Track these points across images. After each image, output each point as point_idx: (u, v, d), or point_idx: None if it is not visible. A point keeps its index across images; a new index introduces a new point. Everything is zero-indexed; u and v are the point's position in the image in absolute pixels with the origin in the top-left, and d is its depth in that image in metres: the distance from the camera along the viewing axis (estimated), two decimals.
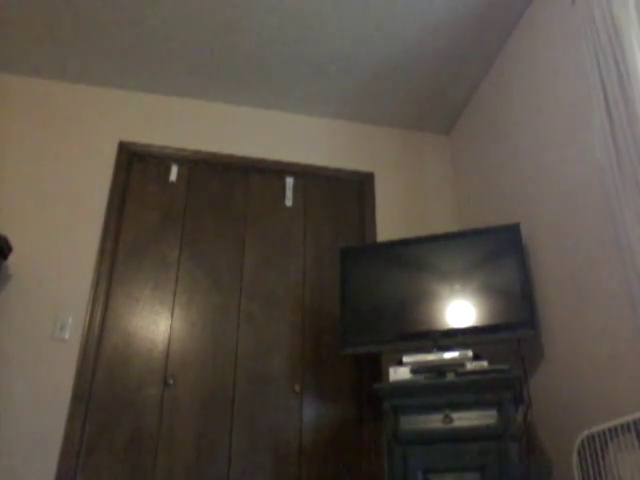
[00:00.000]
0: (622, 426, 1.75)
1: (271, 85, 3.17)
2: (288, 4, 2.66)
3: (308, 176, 3.25)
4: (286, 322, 2.85)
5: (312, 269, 3.00)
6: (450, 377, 2.13)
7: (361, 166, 3.34)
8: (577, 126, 2.24)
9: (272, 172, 3.20)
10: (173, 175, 3.07)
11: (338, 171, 3.28)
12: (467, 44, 2.88)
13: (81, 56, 2.98)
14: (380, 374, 2.80)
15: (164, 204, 2.99)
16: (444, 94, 3.24)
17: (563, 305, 2.23)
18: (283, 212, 3.12)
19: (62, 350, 2.55)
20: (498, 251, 2.43)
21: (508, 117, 2.81)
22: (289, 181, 3.20)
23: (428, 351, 2.29)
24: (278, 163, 3.21)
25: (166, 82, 3.15)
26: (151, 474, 2.44)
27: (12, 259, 2.66)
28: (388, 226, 3.18)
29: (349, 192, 3.28)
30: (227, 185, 3.13)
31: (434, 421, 2.08)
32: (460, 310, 2.39)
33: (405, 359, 2.26)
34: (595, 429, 1.84)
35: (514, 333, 2.29)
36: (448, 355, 2.22)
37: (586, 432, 1.88)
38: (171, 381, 2.61)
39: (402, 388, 2.16)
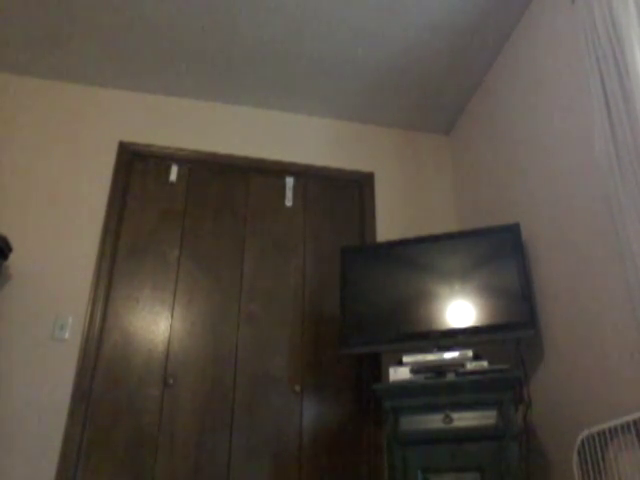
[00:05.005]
0: (622, 426, 1.75)
1: (271, 85, 3.17)
2: (288, 4, 2.66)
3: (308, 176, 3.25)
4: (286, 322, 2.85)
5: (312, 269, 3.00)
6: (450, 377, 2.13)
7: (361, 166, 3.34)
8: (577, 126, 2.24)
9: (272, 172, 3.20)
10: (173, 175, 3.08)
11: (338, 171, 3.28)
12: (467, 44, 2.88)
13: (81, 56, 2.98)
14: (380, 374, 2.80)
15: (164, 204, 2.99)
16: (444, 94, 3.24)
17: (563, 305, 2.23)
18: (283, 212, 3.12)
19: (62, 350, 2.55)
20: (498, 251, 2.43)
21: (508, 117, 2.81)
22: (289, 181, 3.20)
23: (428, 351, 2.29)
24: (278, 163, 3.21)
25: (166, 82, 3.15)
26: (151, 474, 2.44)
27: (12, 259, 2.66)
28: (388, 226, 3.18)
29: (349, 192, 3.28)
30: (227, 185, 3.13)
31: (434, 421, 2.08)
32: (460, 310, 2.38)
33: (405, 359, 2.26)
34: (595, 429, 1.84)
35: (514, 333, 2.29)
36: (448, 355, 2.22)
37: (586, 432, 1.88)
38: (171, 381, 2.61)
39: (402, 388, 2.15)
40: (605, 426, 1.80)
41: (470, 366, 2.15)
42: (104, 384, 2.56)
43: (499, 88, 2.93)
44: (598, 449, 1.83)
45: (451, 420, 2.06)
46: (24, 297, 2.61)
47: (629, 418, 1.71)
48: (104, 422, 2.49)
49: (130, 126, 3.12)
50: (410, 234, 3.16)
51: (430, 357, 2.24)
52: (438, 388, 2.11)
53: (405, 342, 2.41)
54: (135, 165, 3.06)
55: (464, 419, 2.05)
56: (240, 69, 3.06)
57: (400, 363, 2.27)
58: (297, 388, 2.71)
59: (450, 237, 2.55)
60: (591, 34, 2.03)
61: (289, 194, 3.17)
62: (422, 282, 2.49)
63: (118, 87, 3.19)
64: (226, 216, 3.04)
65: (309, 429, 2.65)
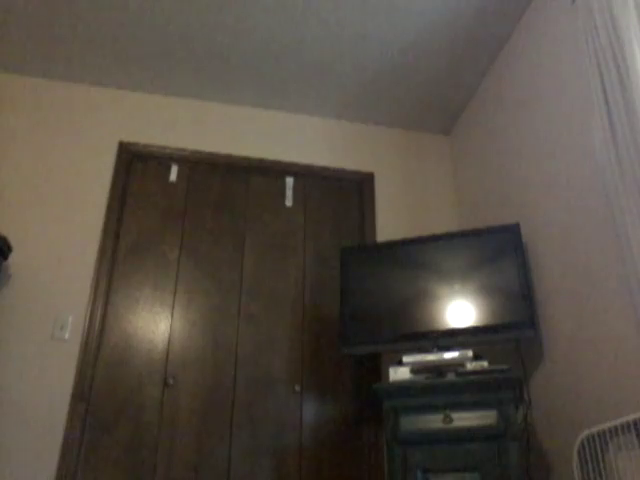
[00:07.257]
0: (622, 426, 1.75)
1: (271, 85, 3.17)
2: (288, 4, 2.66)
3: (308, 176, 3.25)
4: (286, 322, 2.85)
5: (312, 269, 3.00)
6: (450, 377, 2.13)
7: (361, 166, 3.34)
8: (577, 126, 2.24)
9: (272, 172, 3.21)
10: (173, 175, 3.08)
11: (338, 171, 3.28)
12: (467, 44, 2.88)
13: (82, 56, 2.98)
14: (380, 374, 2.80)
15: (164, 204, 2.99)
16: (444, 94, 3.24)
17: (563, 305, 2.23)
18: (283, 212, 3.12)
19: (62, 350, 2.55)
20: (498, 251, 2.43)
21: (508, 117, 2.81)
22: (289, 181, 3.20)
23: (428, 351, 2.29)
24: (278, 163, 3.21)
25: (166, 82, 3.15)
26: (151, 474, 2.44)
27: (12, 259, 2.66)
28: (388, 226, 3.18)
29: (349, 192, 3.28)
30: (227, 185, 3.13)
31: (434, 421, 2.08)
32: (460, 310, 2.39)
33: (405, 359, 2.26)
34: (595, 429, 1.84)
35: (514, 333, 2.29)
36: (448, 355, 2.22)
37: (586, 432, 1.88)
38: (171, 381, 2.61)
39: (402, 388, 2.15)
40: (605, 426, 1.80)
41: (470, 366, 2.15)
42: (104, 384, 2.56)
43: (499, 88, 2.93)
44: (598, 449, 1.83)
45: (451, 420, 2.06)
46: (24, 297, 2.61)
47: (629, 418, 1.71)
48: (104, 422, 2.49)
49: (130, 126, 3.12)
50: (410, 234, 3.17)
51: (430, 357, 2.24)
52: (438, 388, 2.11)
53: (405, 342, 2.41)
54: (135, 165, 3.06)
55: (464, 419, 2.05)
56: (240, 69, 3.06)
57: (400, 363, 2.27)
58: (297, 388, 2.71)
59: (450, 237, 2.55)
60: (591, 34, 2.03)
61: (289, 194, 3.17)
62: (422, 282, 2.49)
63: (118, 87, 3.19)
64: (226, 216, 3.04)
65: (309, 429, 2.65)
